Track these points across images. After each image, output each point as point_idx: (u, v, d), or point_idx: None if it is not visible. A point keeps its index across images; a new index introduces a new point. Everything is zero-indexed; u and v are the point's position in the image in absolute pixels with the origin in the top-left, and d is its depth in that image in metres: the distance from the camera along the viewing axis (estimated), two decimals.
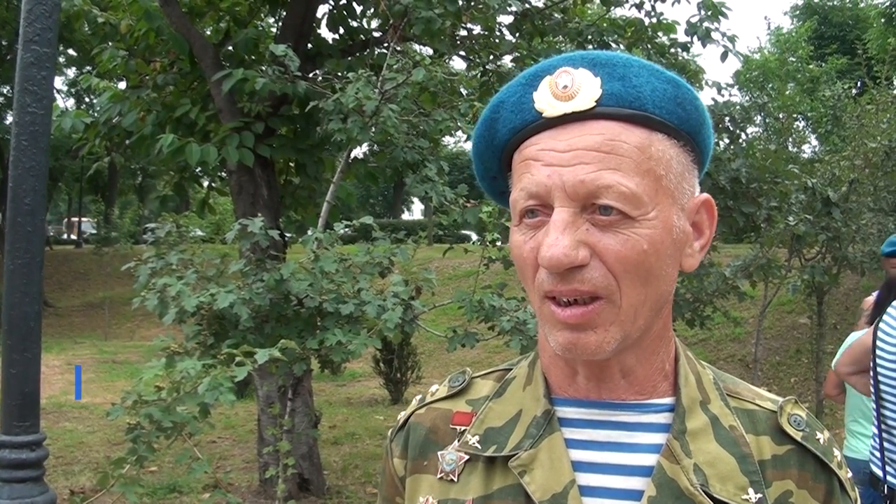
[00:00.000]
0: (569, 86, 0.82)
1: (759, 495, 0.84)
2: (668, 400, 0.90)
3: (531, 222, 0.84)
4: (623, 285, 0.81)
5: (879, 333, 3.18)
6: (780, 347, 11.60)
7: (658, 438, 0.88)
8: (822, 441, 0.90)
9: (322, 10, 6.85)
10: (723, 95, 7.36)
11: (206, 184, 8.03)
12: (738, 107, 7.21)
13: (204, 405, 3.37)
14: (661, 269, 0.83)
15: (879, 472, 3.17)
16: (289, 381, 4.67)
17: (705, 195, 0.89)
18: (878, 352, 3.17)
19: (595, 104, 0.81)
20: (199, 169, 7.03)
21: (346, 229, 4.46)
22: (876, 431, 3.22)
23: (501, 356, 11.34)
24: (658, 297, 0.85)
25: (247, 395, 8.84)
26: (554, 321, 0.83)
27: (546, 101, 0.83)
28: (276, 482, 4.45)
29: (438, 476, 0.94)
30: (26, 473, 2.80)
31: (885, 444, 3.15)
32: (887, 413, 3.14)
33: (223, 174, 7.15)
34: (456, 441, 0.94)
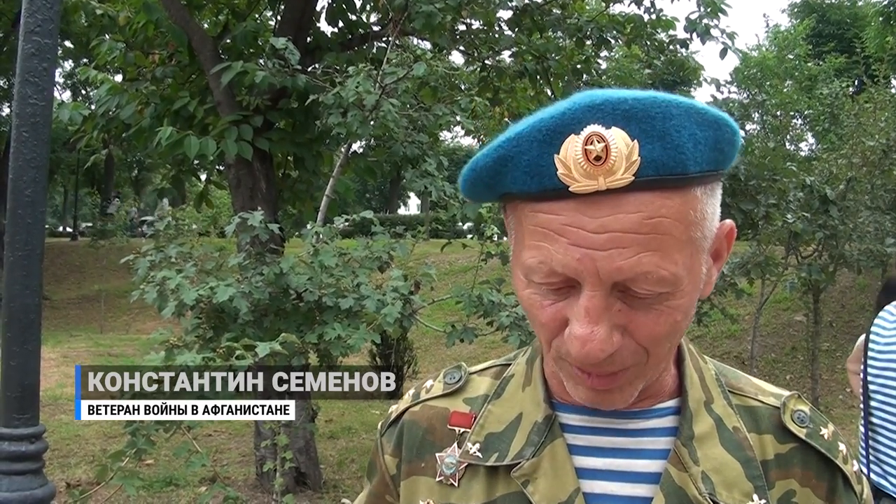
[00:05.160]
0: (602, 157, 0.69)
1: (764, 501, 0.83)
2: (671, 403, 0.89)
3: (553, 289, 0.76)
4: (652, 353, 0.78)
5: (872, 335, 3.20)
6: (775, 345, 11.63)
7: (663, 443, 0.86)
8: (826, 436, 0.89)
9: (321, 3, 6.84)
10: (721, 92, 7.39)
11: (203, 177, 8.01)
12: (736, 104, 7.23)
13: None
14: (687, 321, 0.79)
15: (865, 470, 3.19)
16: None
17: (730, 224, 0.83)
18: (868, 352, 3.20)
19: (633, 177, 0.70)
20: (197, 162, 7.00)
21: (345, 223, 4.46)
22: (863, 430, 3.24)
23: (498, 351, 11.34)
24: (679, 339, 0.83)
25: None
26: (576, 378, 0.80)
27: (574, 173, 0.71)
28: (274, 476, 4.45)
29: (438, 479, 0.91)
30: (25, 466, 2.80)
31: (871, 443, 3.18)
32: (873, 412, 3.16)
33: (220, 167, 7.13)
34: (455, 444, 0.92)
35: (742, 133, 7.34)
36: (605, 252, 0.70)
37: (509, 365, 0.98)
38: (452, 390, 0.98)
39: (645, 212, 0.70)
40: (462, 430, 0.93)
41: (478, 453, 0.90)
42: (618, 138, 0.70)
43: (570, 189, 0.71)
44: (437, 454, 0.93)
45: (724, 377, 0.93)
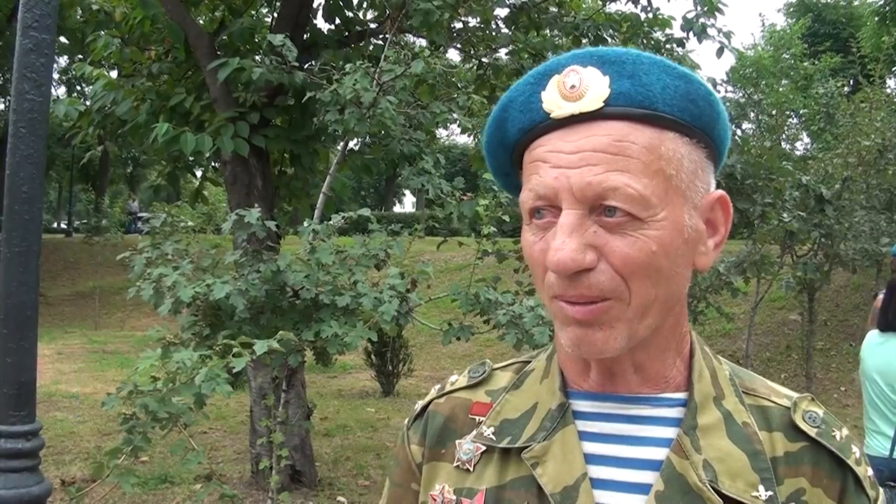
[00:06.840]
0: (576, 85, 0.81)
1: (770, 493, 0.83)
2: (681, 395, 0.90)
3: (540, 223, 0.84)
4: (632, 286, 0.81)
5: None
6: (770, 343, 11.66)
7: (669, 433, 0.87)
8: (838, 437, 0.88)
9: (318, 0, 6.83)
10: (718, 91, 7.38)
11: (199, 174, 7.99)
12: (732, 103, 7.24)
13: (200, 396, 3.36)
14: (671, 269, 0.82)
15: None
16: (283, 373, 4.66)
17: (720, 192, 0.88)
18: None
19: (603, 104, 0.80)
20: (193, 159, 6.99)
21: (342, 221, 4.45)
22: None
23: (493, 349, 11.34)
24: (669, 297, 0.85)
25: (238, 386, 8.81)
26: (563, 317, 0.84)
27: (554, 102, 0.82)
28: (269, 474, 4.45)
29: (455, 465, 0.95)
30: (22, 463, 2.78)
31: None
32: None
33: (216, 164, 7.11)
34: (474, 432, 0.96)
35: (738, 132, 7.38)
36: (577, 169, 0.79)
37: (531, 361, 1.02)
38: (475, 383, 1.02)
39: (614, 136, 0.80)
40: (481, 418, 0.97)
41: (492, 436, 0.94)
42: (591, 72, 0.82)
43: (551, 116, 0.82)
44: (456, 441, 0.97)
45: (738, 378, 0.94)
